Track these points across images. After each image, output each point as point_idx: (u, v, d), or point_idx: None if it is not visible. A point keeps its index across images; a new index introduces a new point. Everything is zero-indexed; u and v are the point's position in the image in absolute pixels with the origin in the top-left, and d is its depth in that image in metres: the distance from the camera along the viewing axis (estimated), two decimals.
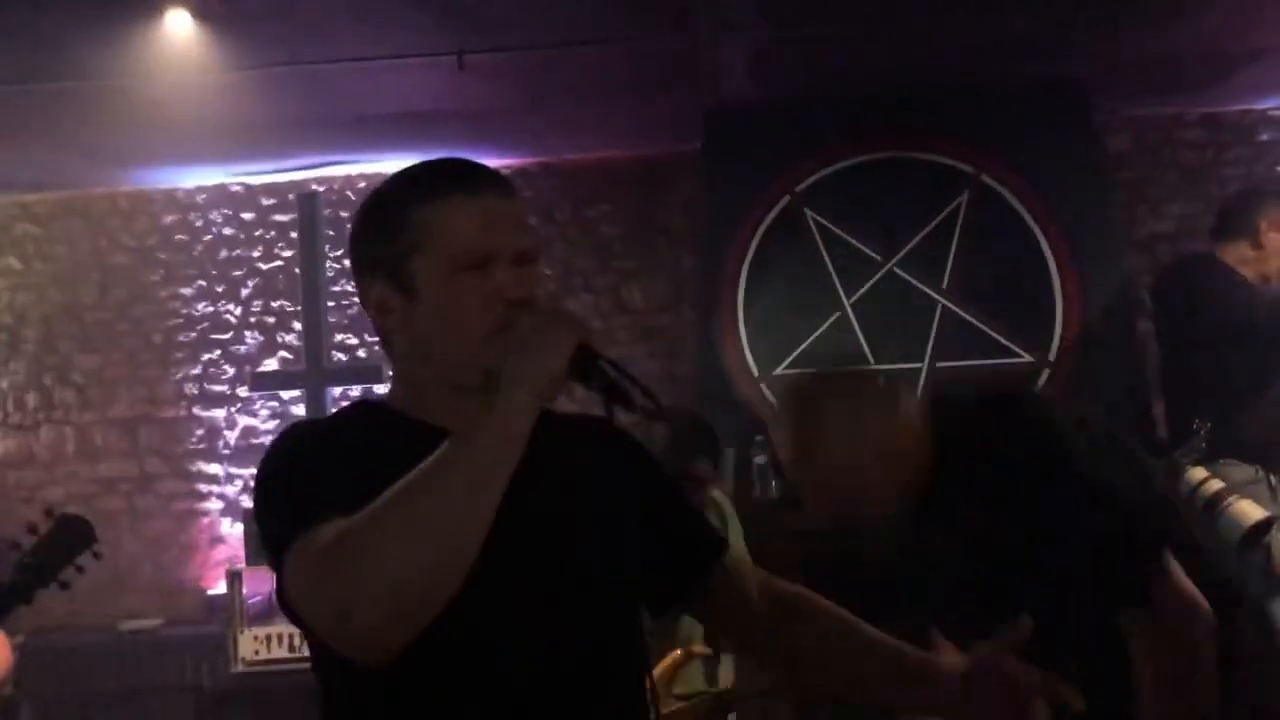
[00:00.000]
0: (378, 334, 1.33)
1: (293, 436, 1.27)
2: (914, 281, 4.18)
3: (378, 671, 1.14)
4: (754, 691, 2.51)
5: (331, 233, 5.03)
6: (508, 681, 1.19)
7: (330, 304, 4.98)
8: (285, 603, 1.17)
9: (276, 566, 1.16)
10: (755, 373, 4.21)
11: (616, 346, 5.01)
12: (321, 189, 5.05)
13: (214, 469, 5.06)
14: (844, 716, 1.84)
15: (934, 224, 4.17)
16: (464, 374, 1.24)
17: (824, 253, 4.18)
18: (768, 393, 4.20)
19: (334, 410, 1.42)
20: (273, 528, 1.18)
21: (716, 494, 2.84)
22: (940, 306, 4.16)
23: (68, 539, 1.99)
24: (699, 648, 2.51)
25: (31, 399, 5.13)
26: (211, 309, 5.12)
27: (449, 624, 1.13)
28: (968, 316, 4.14)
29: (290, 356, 5.07)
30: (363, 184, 5.11)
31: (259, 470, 1.25)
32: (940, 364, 4.12)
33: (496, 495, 1.12)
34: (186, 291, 5.13)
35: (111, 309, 5.12)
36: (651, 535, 1.34)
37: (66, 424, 5.10)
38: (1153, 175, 4.87)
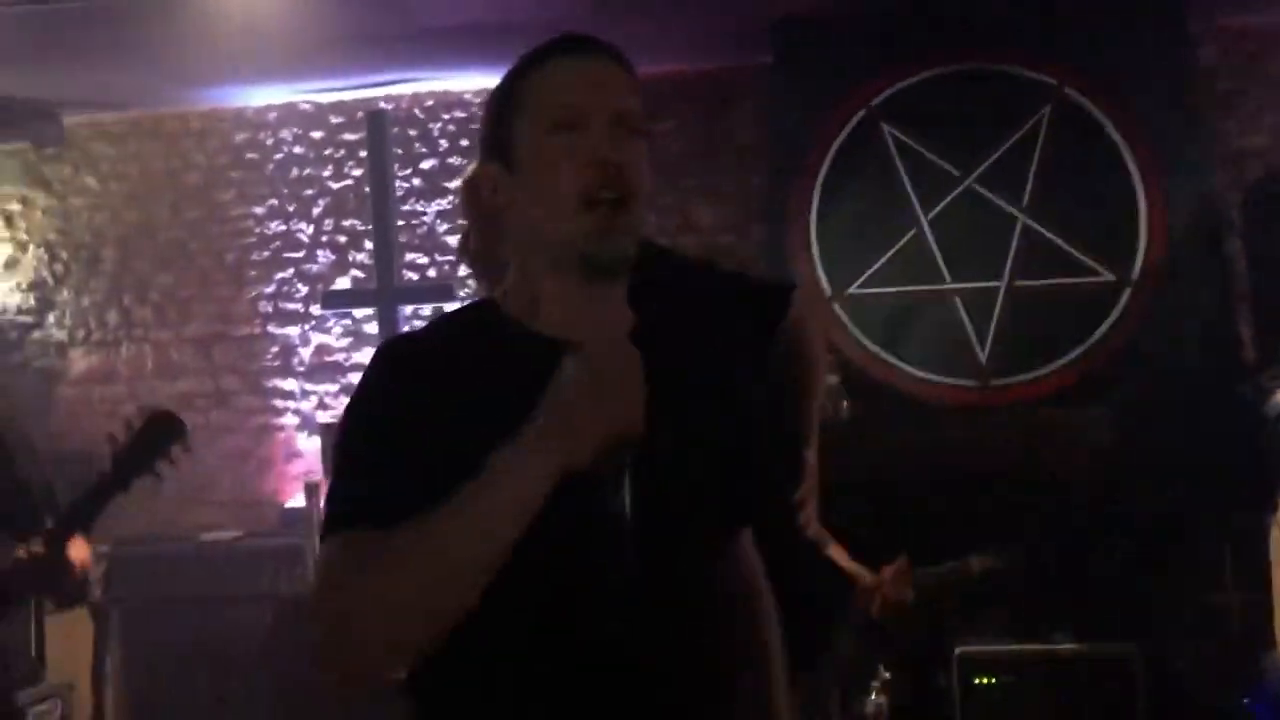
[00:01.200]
0: (494, 225, 1.30)
1: (374, 377, 1.21)
2: (993, 198, 4.07)
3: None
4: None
5: (400, 151, 5.02)
6: (578, 597, 1.16)
7: (400, 223, 5.00)
8: None
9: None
10: (828, 292, 4.16)
11: None
12: (390, 107, 5.04)
13: (289, 385, 5.15)
14: None
15: (1015, 139, 4.04)
16: (561, 251, 1.19)
17: (900, 168, 4.09)
18: (840, 312, 4.14)
19: (448, 312, 1.37)
20: (330, 487, 1.19)
21: None
22: (1020, 224, 4.05)
23: (159, 433, 2.07)
24: None
25: (112, 317, 5.24)
26: (284, 228, 5.17)
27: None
28: (1048, 234, 4.03)
29: (362, 275, 5.12)
30: (430, 101, 5.09)
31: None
32: (1019, 282, 4.03)
33: (493, 556, 1.07)
34: (259, 210, 5.17)
35: (185, 228, 5.19)
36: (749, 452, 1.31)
37: (145, 341, 5.21)
38: (1245, 89, 4.67)
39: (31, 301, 5.30)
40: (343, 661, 1.10)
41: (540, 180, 1.19)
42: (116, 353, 5.23)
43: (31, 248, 5.31)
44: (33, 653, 3.43)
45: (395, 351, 1.24)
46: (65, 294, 5.27)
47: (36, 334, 5.28)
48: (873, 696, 3.13)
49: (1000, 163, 4.05)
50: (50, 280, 5.29)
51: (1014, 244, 4.04)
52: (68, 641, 3.84)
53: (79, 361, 5.24)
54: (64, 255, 5.28)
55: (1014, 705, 3.55)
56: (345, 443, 1.19)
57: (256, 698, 4.39)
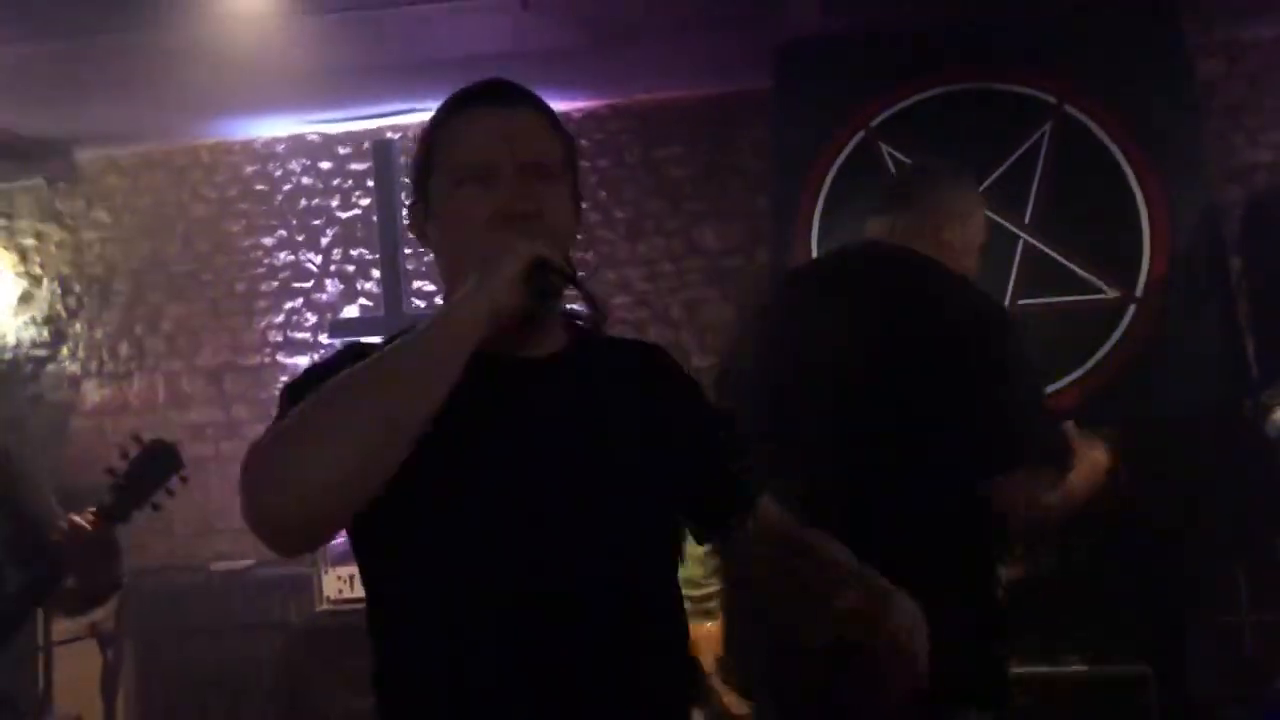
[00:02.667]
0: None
1: (321, 362, 1.29)
2: (994, 217, 4.04)
3: (412, 591, 1.18)
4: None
5: (407, 180, 5.05)
6: (528, 598, 1.18)
7: (408, 251, 5.02)
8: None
9: None
10: None
11: (689, 289, 4.99)
12: (396, 137, 5.09)
13: None
14: None
15: (1015, 157, 4.03)
16: None
17: None
18: None
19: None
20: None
21: None
22: (1022, 242, 4.04)
23: (157, 463, 2.08)
24: None
25: (124, 348, 5.29)
26: (292, 258, 5.21)
27: (464, 531, 1.16)
28: (1051, 252, 4.01)
29: (370, 304, 5.15)
30: None
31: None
32: (1021, 301, 4.01)
33: (427, 400, 1.11)
34: (268, 241, 5.22)
35: (195, 260, 5.24)
36: (692, 468, 1.32)
37: (156, 372, 5.26)
38: (1250, 102, 4.65)
39: (46, 335, 5.36)
40: (264, 524, 1.11)
41: (454, 231, 1.25)
42: (128, 384, 5.27)
43: (45, 281, 5.37)
44: (40, 683, 3.45)
45: (355, 344, 1.32)
46: (78, 327, 5.33)
47: (50, 367, 5.33)
48: None
49: (1001, 181, 4.04)
50: (64, 313, 5.35)
51: (1016, 262, 4.03)
52: (76, 672, 3.87)
53: (92, 394, 5.29)
54: (77, 288, 5.34)
55: None
56: (294, 393, 1.22)
57: None
